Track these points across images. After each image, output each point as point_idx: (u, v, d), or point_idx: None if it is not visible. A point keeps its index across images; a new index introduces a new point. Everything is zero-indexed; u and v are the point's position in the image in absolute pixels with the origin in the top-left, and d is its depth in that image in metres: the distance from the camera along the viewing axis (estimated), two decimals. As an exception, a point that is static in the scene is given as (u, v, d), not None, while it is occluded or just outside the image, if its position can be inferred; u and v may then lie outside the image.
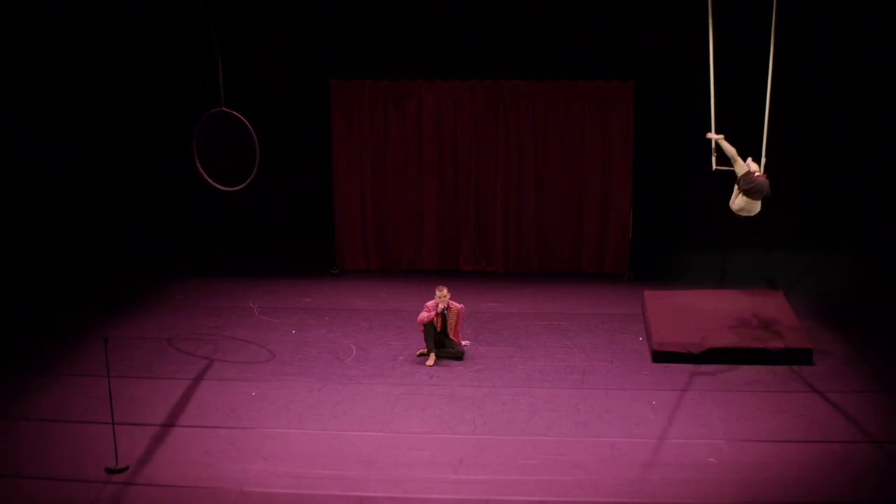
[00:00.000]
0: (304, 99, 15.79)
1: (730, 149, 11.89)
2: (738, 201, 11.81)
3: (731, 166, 11.93)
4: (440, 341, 12.43)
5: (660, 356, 12.34)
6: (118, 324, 13.66)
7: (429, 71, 15.49)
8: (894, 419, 10.75)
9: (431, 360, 12.33)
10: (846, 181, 15.52)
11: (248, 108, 15.28)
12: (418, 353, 12.58)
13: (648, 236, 15.74)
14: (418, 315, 12.41)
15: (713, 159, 12.17)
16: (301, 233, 16.24)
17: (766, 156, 11.94)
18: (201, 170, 11.92)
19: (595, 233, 15.73)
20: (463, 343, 12.70)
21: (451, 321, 12.46)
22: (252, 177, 11.96)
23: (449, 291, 12.42)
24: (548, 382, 11.79)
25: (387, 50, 15.51)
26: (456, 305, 12.53)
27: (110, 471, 9.77)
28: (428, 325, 12.30)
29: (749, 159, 11.95)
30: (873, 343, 12.77)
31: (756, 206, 11.77)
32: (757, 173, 11.73)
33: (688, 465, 9.85)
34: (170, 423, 10.78)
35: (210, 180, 11.93)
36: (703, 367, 12.08)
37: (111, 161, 15.35)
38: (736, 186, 11.82)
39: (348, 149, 15.69)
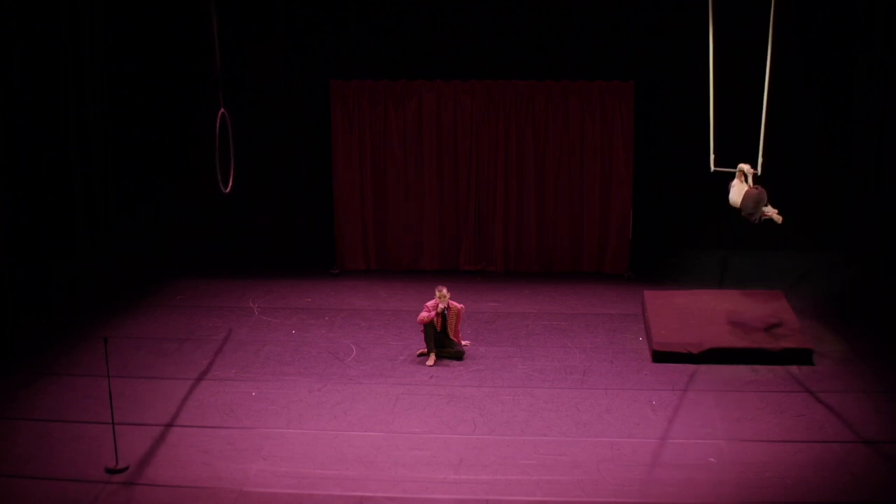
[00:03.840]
0: (304, 99, 15.79)
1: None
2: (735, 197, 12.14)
3: (730, 168, 12.18)
4: (440, 341, 12.43)
5: (660, 356, 12.34)
6: (118, 324, 13.66)
7: (429, 71, 15.49)
8: (894, 419, 10.75)
9: (431, 360, 12.33)
10: (846, 181, 15.53)
11: (249, 108, 15.38)
12: (418, 353, 12.58)
13: (648, 236, 15.75)
14: (418, 315, 12.41)
15: (712, 160, 12.24)
16: (301, 233, 16.24)
17: (764, 156, 11.99)
18: (219, 172, 11.92)
19: (595, 233, 15.73)
20: (463, 343, 12.69)
21: (451, 321, 12.45)
22: (230, 181, 11.93)
23: (449, 291, 12.42)
24: (548, 382, 11.79)
25: (387, 50, 15.51)
26: (456, 305, 12.53)
27: (110, 471, 9.77)
28: (428, 325, 12.30)
29: (740, 166, 12.15)
30: (873, 343, 12.78)
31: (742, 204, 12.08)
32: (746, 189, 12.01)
33: (688, 465, 9.85)
34: (170, 423, 10.79)
35: (222, 183, 11.94)
36: (703, 367, 12.09)
37: (112, 161, 15.35)
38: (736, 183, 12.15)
39: (348, 149, 15.69)
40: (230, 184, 12.17)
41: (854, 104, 15.30)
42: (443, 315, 12.37)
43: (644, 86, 15.27)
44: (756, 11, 13.59)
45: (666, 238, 15.89)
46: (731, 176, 12.30)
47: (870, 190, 15.29)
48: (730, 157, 12.34)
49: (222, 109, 11.90)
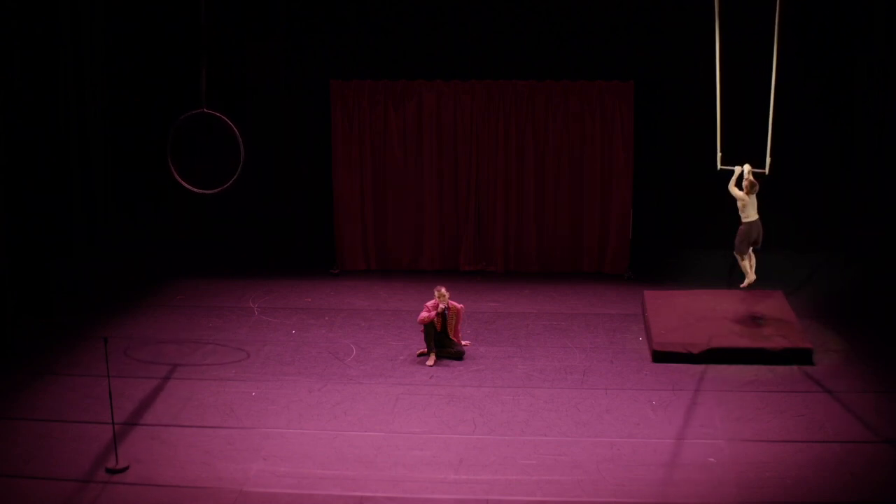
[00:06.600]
0: (304, 99, 15.79)
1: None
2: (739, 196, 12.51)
3: (736, 165, 12.43)
4: (440, 341, 12.43)
5: (660, 356, 12.33)
6: (118, 324, 13.66)
7: (429, 71, 15.49)
8: (894, 419, 10.75)
9: (431, 360, 12.33)
10: (846, 182, 15.53)
11: (249, 109, 15.38)
12: (418, 353, 12.58)
13: (648, 236, 15.74)
14: (418, 315, 12.41)
15: (719, 158, 12.28)
16: (301, 233, 16.24)
17: (771, 155, 12.03)
18: (176, 174, 11.89)
19: (595, 233, 15.72)
20: (463, 343, 12.69)
21: (451, 321, 12.45)
22: (234, 178, 11.90)
23: (448, 291, 12.41)
24: (548, 382, 11.79)
25: (387, 50, 15.51)
26: (456, 305, 12.53)
27: (110, 471, 9.77)
28: (428, 325, 12.30)
29: (747, 167, 12.26)
30: (873, 343, 12.78)
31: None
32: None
33: (688, 465, 9.85)
34: (170, 423, 10.78)
35: (185, 184, 11.89)
36: (703, 367, 12.09)
37: (112, 161, 15.36)
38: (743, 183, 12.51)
39: (348, 149, 15.69)
40: (229, 181, 12.10)
41: (854, 104, 15.30)
42: (443, 315, 12.37)
43: (644, 86, 15.27)
44: (756, 11, 13.64)
45: (666, 238, 15.88)
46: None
47: (870, 190, 15.29)
48: (730, 157, 12.36)
49: (202, 109, 11.87)
